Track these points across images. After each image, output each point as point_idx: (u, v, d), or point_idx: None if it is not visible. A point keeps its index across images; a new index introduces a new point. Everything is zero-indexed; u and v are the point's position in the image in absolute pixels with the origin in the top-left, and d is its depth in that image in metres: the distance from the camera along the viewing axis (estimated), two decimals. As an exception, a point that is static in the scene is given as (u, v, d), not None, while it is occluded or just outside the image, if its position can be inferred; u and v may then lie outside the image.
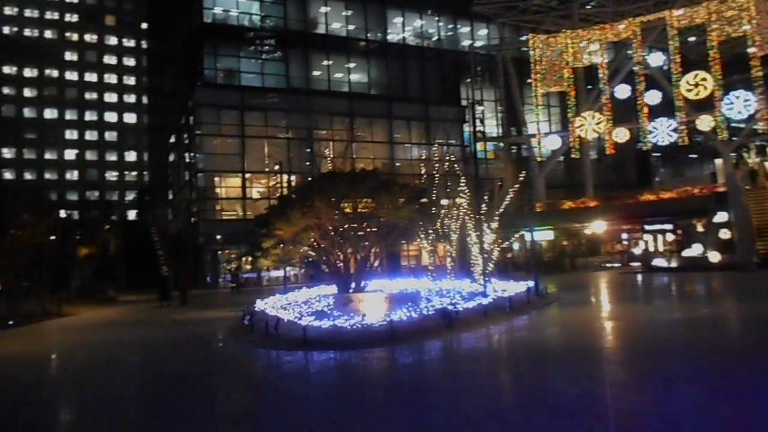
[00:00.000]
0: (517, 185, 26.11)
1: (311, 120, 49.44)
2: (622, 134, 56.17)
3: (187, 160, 54.60)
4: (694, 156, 69.16)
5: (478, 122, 22.44)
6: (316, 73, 53.90)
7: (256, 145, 49.68)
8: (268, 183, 49.54)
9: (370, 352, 13.81)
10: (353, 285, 20.52)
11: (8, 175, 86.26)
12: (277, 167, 36.84)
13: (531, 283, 24.17)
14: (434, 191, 26.44)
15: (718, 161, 52.34)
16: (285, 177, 39.54)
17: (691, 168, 68.16)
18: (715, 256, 38.95)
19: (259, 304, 21.75)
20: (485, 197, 24.34)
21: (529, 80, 58.49)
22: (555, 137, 57.96)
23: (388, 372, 12.01)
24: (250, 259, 31.77)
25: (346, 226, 20.48)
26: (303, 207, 19.40)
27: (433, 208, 22.08)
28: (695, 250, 41.97)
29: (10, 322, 26.06)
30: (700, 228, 52.11)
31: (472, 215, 23.51)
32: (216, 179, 51.13)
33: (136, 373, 13.65)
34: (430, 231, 24.25)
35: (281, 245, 19.76)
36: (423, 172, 30.99)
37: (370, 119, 54.03)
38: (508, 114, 60.01)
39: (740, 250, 37.53)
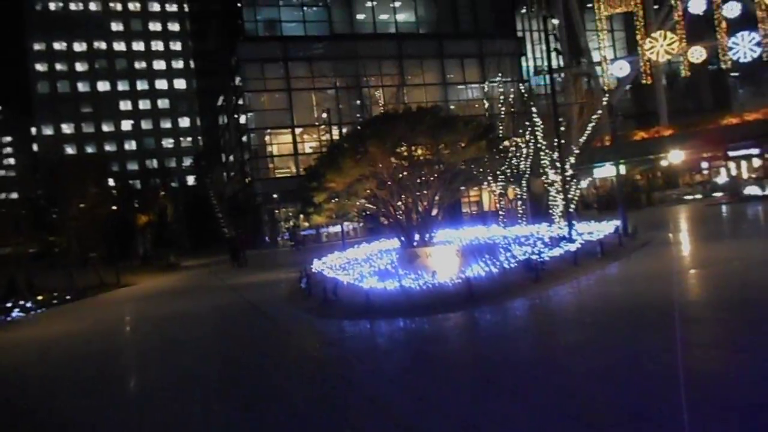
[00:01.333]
0: (595, 116, 22.77)
1: (358, 66, 46.50)
2: (698, 54, 50.87)
3: (237, 119, 52.93)
4: (773, 75, 62.61)
5: (552, 40, 19.12)
6: (360, 16, 50.60)
7: (303, 98, 47.36)
8: (320, 136, 47.29)
9: (447, 319, 11.43)
10: (417, 238, 18.14)
11: (69, 150, 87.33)
12: (324, 115, 34.32)
13: (617, 223, 21.23)
14: (500, 130, 23.52)
15: None
16: (335, 128, 37.09)
17: None
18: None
19: (316, 264, 19.69)
20: (562, 131, 21.23)
21: (590, 3, 53.48)
22: (623, 63, 53.18)
23: (476, 346, 9.57)
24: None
25: (404, 172, 17.97)
26: (356, 154, 16.91)
27: (504, 145, 19.13)
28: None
29: (68, 297, 25.08)
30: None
31: (548, 151, 20.54)
32: (266, 137, 49.33)
33: (181, 359, 11.78)
34: (499, 172, 21.47)
35: (335, 199, 17.44)
36: (484, 112, 27.87)
37: (421, 60, 50.58)
38: (569, 43, 55.17)
39: None
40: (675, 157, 48.83)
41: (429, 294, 12.94)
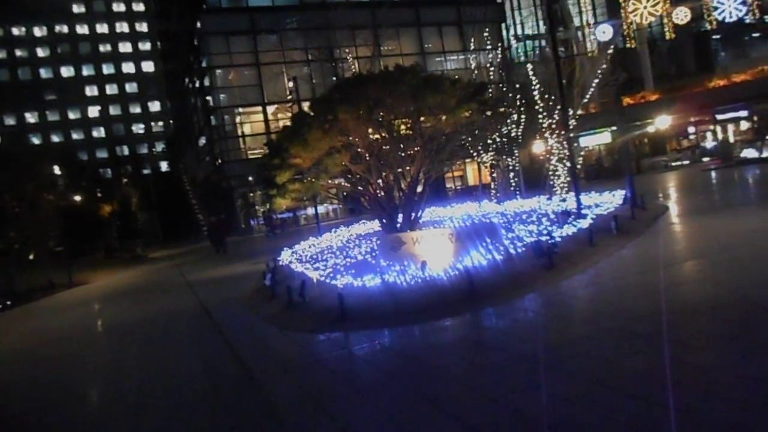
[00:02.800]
0: (596, 76, 19.95)
1: (331, 37, 43.07)
2: (683, 14, 48.23)
3: (204, 98, 49.33)
4: (757, 35, 60.48)
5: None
6: (330, -17, 47.04)
7: (273, 73, 43.87)
8: (293, 113, 43.90)
9: (444, 329, 8.59)
10: (401, 219, 15.30)
11: (35, 140, 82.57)
12: (290, 84, 31.00)
13: (622, 193, 18.57)
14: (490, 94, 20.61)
15: None
16: (308, 104, 33.83)
17: (756, 49, 59.40)
18: (819, 140, 32.14)
19: (285, 255, 16.75)
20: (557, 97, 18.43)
21: (570, -35, 50.46)
22: (606, 26, 50.31)
23: (496, 378, 6.64)
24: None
25: (383, 143, 15.04)
26: (324, 123, 13.94)
27: (499, 108, 16.19)
28: (790, 135, 35.09)
29: (8, 303, 21.90)
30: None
31: (547, 118, 17.74)
32: (236, 116, 45.88)
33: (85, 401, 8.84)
34: (491, 141, 18.62)
35: (301, 177, 14.47)
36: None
37: (397, 29, 47.19)
38: (548, 7, 52.08)
39: None
40: (662, 122, 46.36)
41: (419, 292, 10.10)
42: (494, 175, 21.17)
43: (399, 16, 47.33)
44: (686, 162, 45.77)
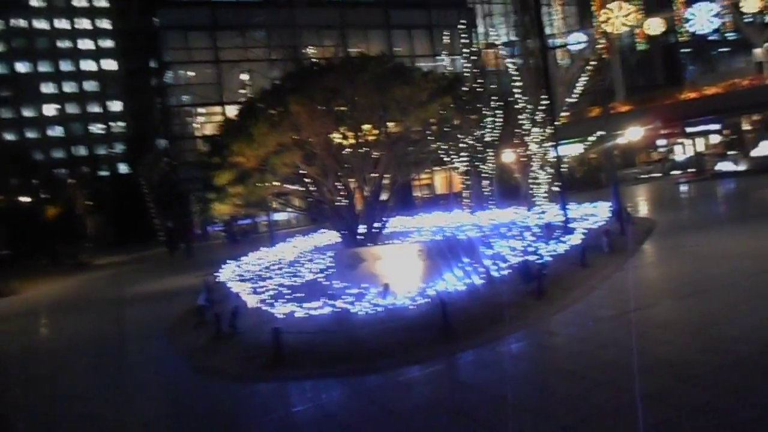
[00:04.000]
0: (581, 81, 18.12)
1: (296, 37, 40.68)
2: (655, 25, 47.29)
3: (161, 96, 46.39)
4: (725, 50, 60.43)
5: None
6: (297, -19, 44.68)
7: (234, 72, 41.27)
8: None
9: (411, 383, 6.39)
10: (362, 230, 13.09)
11: (-13, 137, 77.80)
12: (246, 78, 28.51)
13: (605, 205, 16.72)
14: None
15: (758, 50, 43.81)
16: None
17: (723, 63, 59.24)
18: (795, 154, 31.04)
19: (226, 270, 14.32)
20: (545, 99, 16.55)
21: (543, -27, 49.13)
22: (579, 36, 49.08)
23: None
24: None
25: (342, 141, 12.82)
26: (272, 116, 11.65)
27: (476, 104, 14.11)
28: (765, 148, 34.01)
29: None
30: (746, 126, 44.20)
31: (529, 123, 15.80)
32: (194, 116, 43.15)
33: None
34: (465, 145, 16.56)
35: (245, 179, 12.11)
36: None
37: (365, 31, 45.03)
38: (521, 15, 50.66)
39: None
40: (633, 134, 45.26)
41: (379, 326, 7.88)
42: (467, 182, 19.13)
43: (368, 17, 45.28)
44: (657, 174, 44.67)
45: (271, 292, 10.42)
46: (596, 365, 6.06)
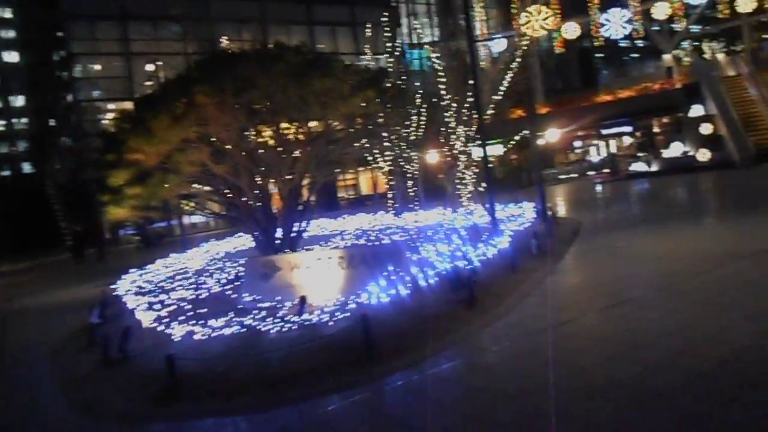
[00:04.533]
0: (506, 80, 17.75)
1: (214, 30, 38.75)
2: (572, 29, 48.51)
3: (66, 91, 43.11)
4: (637, 55, 63.18)
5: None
6: (214, -28, 42.62)
7: (145, 66, 38.79)
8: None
9: (330, 418, 5.47)
10: (280, 235, 12.01)
11: None
12: (152, 68, 26.62)
13: (531, 205, 16.40)
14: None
15: (667, 56, 45.87)
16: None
17: (635, 67, 61.94)
18: (704, 155, 32.29)
19: (126, 281, 12.82)
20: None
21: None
22: (501, 38, 49.72)
23: None
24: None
25: (256, 137, 11.71)
26: (175, 108, 10.37)
27: (402, 99, 13.33)
28: (676, 149, 35.37)
29: None
30: (657, 128, 46.06)
31: (459, 122, 15.22)
32: (102, 112, 40.30)
33: None
34: (390, 144, 15.77)
35: (144, 179, 10.75)
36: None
37: (287, 27, 43.53)
38: (444, 15, 50.75)
39: (734, 144, 30.93)
40: (552, 135, 46.24)
41: (294, 346, 6.88)
42: (392, 183, 18.36)
43: (289, 12, 43.84)
44: (574, 175, 45.81)
45: (172, 308, 9.16)
46: (534, 387, 5.31)
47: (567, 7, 48.12)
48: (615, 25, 47.50)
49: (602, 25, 47.68)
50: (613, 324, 6.92)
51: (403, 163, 18.63)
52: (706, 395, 4.64)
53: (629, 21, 46.71)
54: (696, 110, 35.83)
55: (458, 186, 15.65)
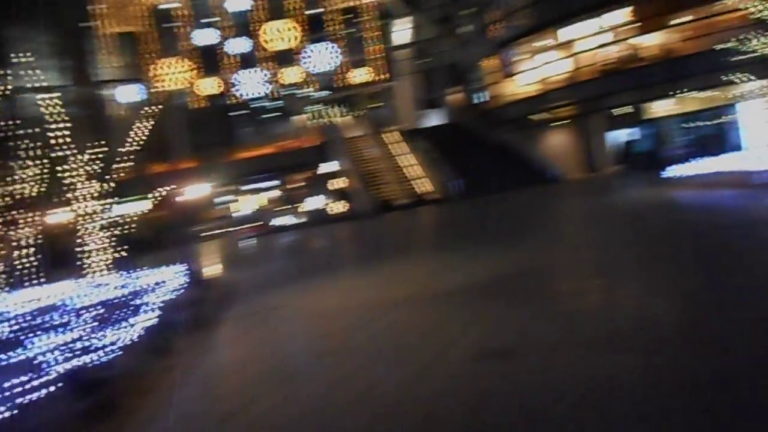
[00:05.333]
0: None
1: None
2: (209, 86, 48.87)
3: None
4: (276, 114, 67.29)
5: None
6: None
7: None
8: None
9: None
10: None
11: None
12: None
13: (177, 269, 14.69)
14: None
15: (300, 117, 50.34)
16: None
17: (274, 126, 65.74)
18: (338, 207, 35.23)
19: None
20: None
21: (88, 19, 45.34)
22: (132, 87, 46.74)
23: None
24: None
25: None
26: None
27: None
28: (315, 203, 37.85)
29: None
30: (297, 183, 49.23)
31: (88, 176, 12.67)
32: None
33: None
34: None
35: None
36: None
37: None
38: (72, 59, 45.44)
39: (362, 197, 34.63)
40: (196, 191, 45.01)
41: None
42: (2, 252, 14.37)
43: None
44: (223, 231, 45.31)
45: None
46: None
47: (205, 63, 48.34)
48: (250, 84, 49.53)
49: (236, 84, 49.30)
50: (280, 408, 5.86)
51: (15, 227, 14.87)
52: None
53: (264, 82, 49.27)
54: (329, 166, 39.18)
55: (88, 252, 13.00)
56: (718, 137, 28.32)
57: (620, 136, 34.00)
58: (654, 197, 18.65)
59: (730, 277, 7.46)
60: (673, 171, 19.78)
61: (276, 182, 45.23)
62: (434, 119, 51.79)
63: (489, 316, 7.63)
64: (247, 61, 48.87)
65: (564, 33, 33.75)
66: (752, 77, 21.08)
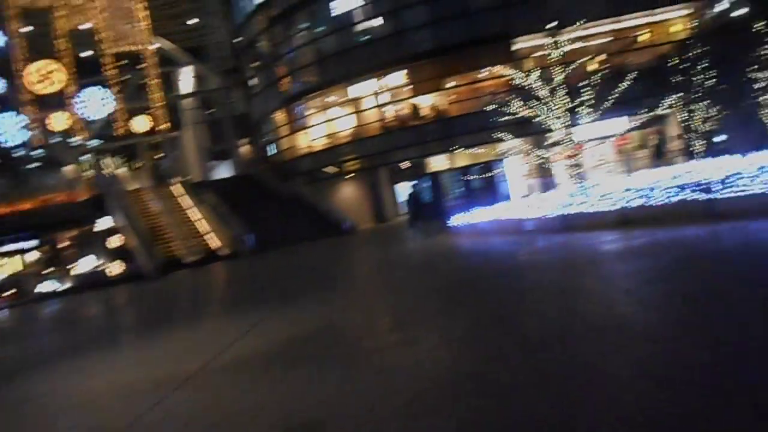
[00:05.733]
0: None
1: None
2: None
3: None
4: (38, 164, 59.94)
5: None
6: None
7: None
8: None
9: None
10: None
11: None
12: None
13: None
14: None
15: (69, 168, 45.57)
16: None
17: (36, 178, 58.41)
18: (116, 268, 31.70)
19: None
20: None
21: None
22: None
23: None
24: None
25: None
26: None
27: None
28: (87, 264, 33.67)
29: None
30: (65, 242, 44.01)
31: None
32: None
33: None
34: None
35: None
36: None
37: None
38: None
39: (144, 255, 31.76)
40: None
41: None
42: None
43: None
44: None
45: None
46: None
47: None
48: (11, 130, 43.68)
49: (-8, 127, 43.04)
50: None
51: None
52: None
53: (26, 127, 43.76)
54: (103, 223, 35.53)
55: None
56: (489, 188, 31.56)
57: (406, 188, 36.18)
58: (441, 246, 19.75)
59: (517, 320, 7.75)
60: (455, 220, 21.25)
61: (36, 242, 39.63)
62: (224, 171, 50.21)
63: (292, 385, 6.95)
64: (3, 103, 43.02)
65: (351, 90, 35.30)
66: (512, 136, 23.88)
